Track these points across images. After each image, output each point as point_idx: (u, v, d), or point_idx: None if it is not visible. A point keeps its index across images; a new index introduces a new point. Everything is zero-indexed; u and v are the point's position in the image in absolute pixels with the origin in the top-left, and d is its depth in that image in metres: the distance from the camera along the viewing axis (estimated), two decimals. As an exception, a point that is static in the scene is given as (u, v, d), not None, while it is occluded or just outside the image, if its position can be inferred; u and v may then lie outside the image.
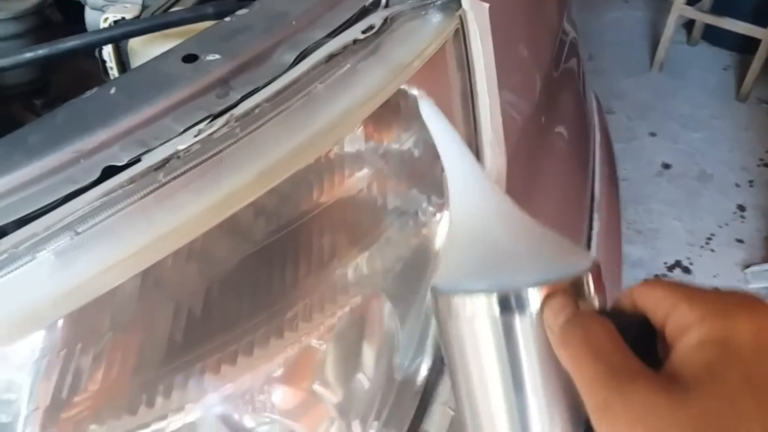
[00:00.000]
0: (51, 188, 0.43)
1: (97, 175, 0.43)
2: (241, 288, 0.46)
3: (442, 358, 0.66)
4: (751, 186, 2.59)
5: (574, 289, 0.40)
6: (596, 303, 0.42)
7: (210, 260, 0.45)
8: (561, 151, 0.81)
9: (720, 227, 2.41)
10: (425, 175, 0.54)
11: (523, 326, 0.40)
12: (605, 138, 1.03)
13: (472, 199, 0.46)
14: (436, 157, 0.56)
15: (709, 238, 2.37)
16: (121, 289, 0.41)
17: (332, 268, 0.49)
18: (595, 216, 0.88)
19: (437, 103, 0.50)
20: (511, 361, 0.41)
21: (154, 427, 0.42)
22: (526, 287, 0.40)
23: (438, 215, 0.54)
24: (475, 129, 0.58)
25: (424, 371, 0.62)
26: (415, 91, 0.51)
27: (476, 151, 0.58)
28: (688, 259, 2.29)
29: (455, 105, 0.56)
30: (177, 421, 0.44)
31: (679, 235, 2.37)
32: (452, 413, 0.64)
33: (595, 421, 0.35)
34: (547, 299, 0.40)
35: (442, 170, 0.56)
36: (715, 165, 2.68)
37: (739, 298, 0.37)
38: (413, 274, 0.56)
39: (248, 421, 0.50)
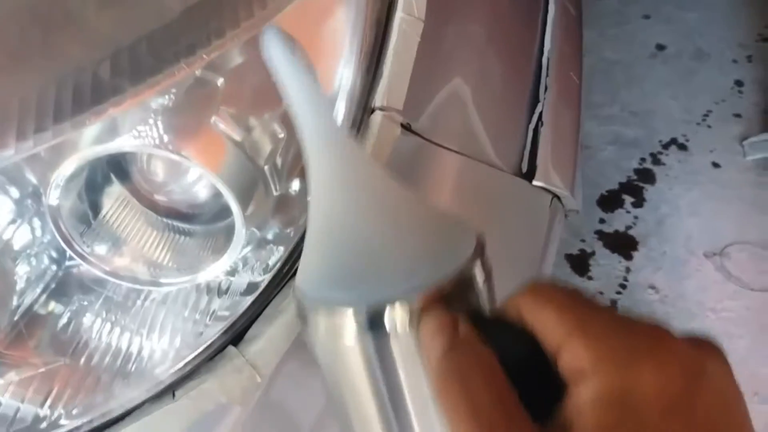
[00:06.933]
0: None
1: None
2: None
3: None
4: (749, 62, 2.51)
5: (457, 287, 0.34)
6: (483, 296, 0.36)
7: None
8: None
9: (717, 103, 2.35)
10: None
11: (400, 345, 0.34)
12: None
13: (332, 171, 0.36)
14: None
15: (706, 115, 2.31)
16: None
17: None
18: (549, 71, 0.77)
19: None
20: (388, 386, 0.34)
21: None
22: (400, 297, 0.33)
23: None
24: None
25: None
26: None
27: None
28: (684, 136, 2.24)
29: None
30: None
31: (675, 114, 2.31)
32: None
33: None
34: (423, 315, 0.33)
35: None
36: (712, 43, 2.59)
37: (644, 336, 0.30)
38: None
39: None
